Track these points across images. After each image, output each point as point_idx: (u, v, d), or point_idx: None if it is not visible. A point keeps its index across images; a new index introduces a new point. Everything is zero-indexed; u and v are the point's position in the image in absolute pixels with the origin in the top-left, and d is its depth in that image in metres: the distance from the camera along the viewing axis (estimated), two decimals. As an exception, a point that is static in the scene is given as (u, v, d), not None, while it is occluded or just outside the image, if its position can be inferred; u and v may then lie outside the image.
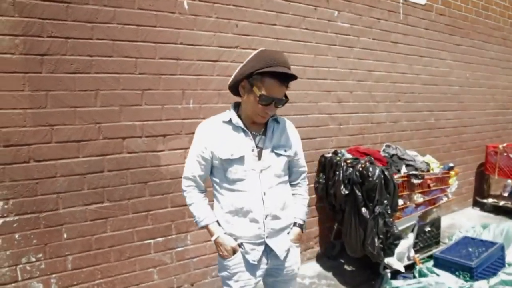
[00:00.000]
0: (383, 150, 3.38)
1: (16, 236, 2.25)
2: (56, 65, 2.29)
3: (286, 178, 1.77)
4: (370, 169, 2.75)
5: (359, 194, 2.79)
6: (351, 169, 2.88)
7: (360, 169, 2.81)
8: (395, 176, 2.90)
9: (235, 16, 2.89)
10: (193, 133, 2.58)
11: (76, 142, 2.38)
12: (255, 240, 1.67)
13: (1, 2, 2.14)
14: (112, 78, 2.46)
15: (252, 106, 1.58)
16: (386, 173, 2.75)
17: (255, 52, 1.62)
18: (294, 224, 1.80)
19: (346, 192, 2.87)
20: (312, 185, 3.30)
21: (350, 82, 3.57)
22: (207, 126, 1.72)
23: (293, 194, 1.85)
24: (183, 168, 2.47)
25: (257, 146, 1.66)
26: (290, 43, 3.17)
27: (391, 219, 2.75)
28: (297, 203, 1.84)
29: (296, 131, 1.84)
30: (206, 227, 1.71)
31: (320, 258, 3.45)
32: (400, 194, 2.93)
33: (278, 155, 1.69)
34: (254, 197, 1.64)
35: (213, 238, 1.70)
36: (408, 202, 3.03)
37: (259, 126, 1.70)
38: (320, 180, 3.22)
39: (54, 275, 2.36)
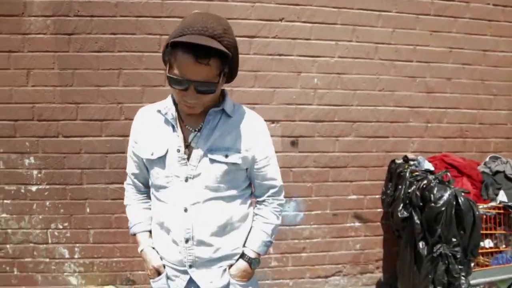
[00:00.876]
0: (485, 164, 2.34)
1: (47, 203, 2.45)
2: (82, 43, 2.31)
3: (232, 192, 1.30)
4: (435, 189, 1.92)
5: (417, 221, 2.00)
6: (415, 185, 2.09)
7: (424, 187, 2.00)
8: (483, 206, 1.96)
9: (281, -18, 2.39)
10: None
11: (99, 121, 2.39)
12: (178, 266, 1.30)
13: (31, -17, 2.26)
14: (134, 57, 2.35)
15: (172, 90, 1.17)
16: (461, 198, 1.87)
17: None
18: (242, 255, 1.34)
19: (405, 215, 2.11)
20: (379, 196, 2.58)
21: (449, 65, 2.56)
22: (139, 115, 1.37)
23: (254, 215, 1.40)
24: None
25: (188, 146, 1.25)
26: (357, 14, 2.43)
27: (462, 266, 1.88)
28: (253, 228, 1.37)
29: (263, 130, 1.35)
30: (135, 235, 1.43)
31: (381, 287, 2.74)
32: (488, 232, 1.98)
33: (213, 161, 1.24)
34: (175, 212, 1.26)
35: (139, 250, 1.41)
36: (504, 246, 2.03)
37: (199, 119, 1.26)
38: (388, 191, 2.48)
39: (77, 245, 2.50)
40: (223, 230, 1.29)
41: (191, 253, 1.27)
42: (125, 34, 2.32)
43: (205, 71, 1.09)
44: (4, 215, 2.42)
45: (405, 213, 2.11)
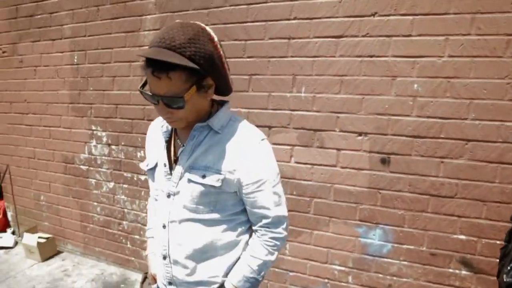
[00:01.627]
0: None
1: (154, 192, 2.82)
2: (181, 52, 2.53)
3: (214, 216, 1.19)
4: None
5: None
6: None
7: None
8: None
9: (373, -31, 1.99)
10: (302, 128, 2.21)
11: (193, 124, 2.59)
12: (163, 279, 1.30)
13: (148, 4, 2.58)
14: (223, 63, 2.42)
15: None
16: None
17: None
18: (220, 286, 1.22)
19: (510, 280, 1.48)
20: (500, 242, 1.90)
21: None
22: (151, 125, 1.41)
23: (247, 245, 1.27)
24: (287, 167, 2.23)
25: (175, 161, 1.22)
26: None
27: None
28: (240, 259, 1.23)
29: (256, 149, 1.15)
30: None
31: None
32: None
33: (189, 180, 1.17)
34: (157, 227, 1.26)
35: (144, 254, 1.48)
36: None
37: (189, 132, 1.21)
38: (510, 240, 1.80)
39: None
40: (201, 254, 1.20)
41: (168, 271, 1.25)
42: (215, 41, 2.42)
43: (166, 85, 1.02)
44: (123, 196, 2.92)
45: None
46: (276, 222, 1.20)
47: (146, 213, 2.86)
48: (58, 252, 3.49)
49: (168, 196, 1.20)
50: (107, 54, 2.82)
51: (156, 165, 1.26)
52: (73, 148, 3.19)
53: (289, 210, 2.28)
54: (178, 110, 1.08)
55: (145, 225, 2.84)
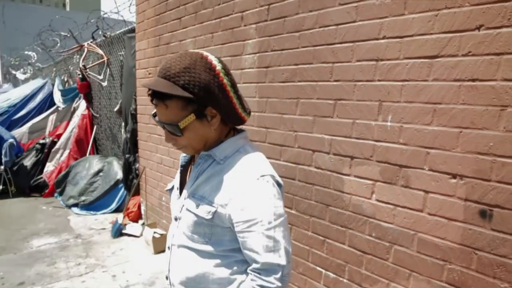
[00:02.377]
0: None
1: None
2: (274, 75, 2.56)
3: (207, 248, 1.15)
4: None
5: None
6: None
7: None
8: None
9: (479, -24, 1.59)
10: (387, 162, 2.00)
11: (279, 146, 2.56)
12: None
13: (249, 29, 2.71)
14: (310, 86, 2.34)
15: None
16: None
17: None
18: None
19: None
20: None
21: None
22: None
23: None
24: (367, 203, 2.15)
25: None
26: None
27: None
28: None
29: (252, 186, 1.07)
30: None
31: None
32: None
33: (186, 209, 1.19)
34: (166, 247, 1.33)
35: None
36: None
37: None
38: None
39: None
40: (195, 284, 1.19)
41: None
42: (305, 64, 2.36)
43: (165, 113, 1.10)
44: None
45: None
46: (267, 269, 1.07)
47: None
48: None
49: (175, 219, 1.25)
50: (217, 76, 3.08)
51: (172, 188, 1.32)
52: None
53: (366, 253, 1.99)
54: (178, 137, 1.13)
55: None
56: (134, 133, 4.35)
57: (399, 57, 1.91)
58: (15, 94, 8.11)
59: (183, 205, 1.20)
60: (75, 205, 5.23)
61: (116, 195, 4.94)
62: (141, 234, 4.21)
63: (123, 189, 4.89)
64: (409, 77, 1.88)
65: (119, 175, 4.91)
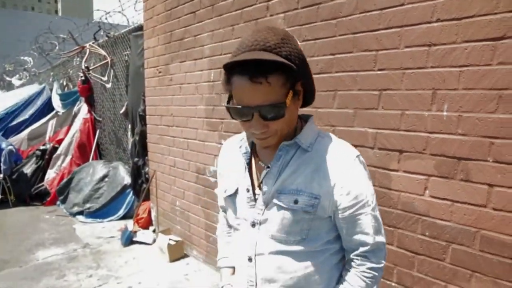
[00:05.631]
0: None
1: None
2: (306, 66, 2.40)
3: (308, 247, 1.03)
4: None
5: None
6: None
7: None
8: None
9: None
10: (443, 155, 1.86)
11: (312, 142, 2.40)
12: None
13: (277, 19, 2.55)
14: (349, 77, 2.19)
15: (240, 123, 1.06)
16: None
17: None
18: None
19: None
20: None
21: None
22: (223, 146, 1.32)
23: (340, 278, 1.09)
24: (419, 201, 1.99)
25: (259, 185, 1.10)
26: None
27: None
28: None
29: (353, 167, 1.03)
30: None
31: None
32: None
33: (279, 207, 1.03)
34: (241, 259, 1.13)
35: (219, 286, 1.33)
36: None
37: (274, 152, 1.08)
38: None
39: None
40: None
41: None
42: (343, 53, 2.21)
43: (266, 92, 0.93)
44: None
45: None
46: (376, 250, 1.06)
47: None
48: (185, 256, 3.73)
49: (253, 225, 1.07)
50: (238, 71, 2.91)
51: (236, 191, 1.13)
52: (205, 160, 3.39)
53: (418, 254, 1.87)
54: (275, 122, 0.97)
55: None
56: (143, 136, 4.16)
57: (456, 41, 1.76)
58: (11, 100, 7.84)
59: (268, 205, 1.05)
60: (80, 213, 5.00)
61: (124, 201, 4.72)
62: (154, 241, 4.00)
63: (131, 194, 4.68)
64: (468, 62, 1.73)
65: (126, 180, 4.70)
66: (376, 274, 1.06)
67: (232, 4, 2.91)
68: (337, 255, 1.10)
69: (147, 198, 4.30)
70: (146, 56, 4.04)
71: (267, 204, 1.05)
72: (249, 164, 1.14)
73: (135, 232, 4.10)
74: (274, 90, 0.92)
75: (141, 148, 4.20)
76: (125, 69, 4.85)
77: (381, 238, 1.07)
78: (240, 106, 0.96)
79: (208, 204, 3.41)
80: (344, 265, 1.11)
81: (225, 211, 1.33)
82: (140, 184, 4.31)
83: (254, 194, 1.09)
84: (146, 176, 4.23)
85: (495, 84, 1.66)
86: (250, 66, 0.90)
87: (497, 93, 1.66)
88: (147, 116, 4.12)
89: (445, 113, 1.82)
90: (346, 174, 1.01)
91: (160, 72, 3.84)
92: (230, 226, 1.33)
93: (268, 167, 1.07)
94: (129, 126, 4.70)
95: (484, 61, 1.69)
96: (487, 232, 1.72)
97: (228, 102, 1.02)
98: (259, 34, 0.95)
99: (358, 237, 1.04)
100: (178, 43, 3.54)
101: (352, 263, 1.07)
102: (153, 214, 4.30)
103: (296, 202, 1.00)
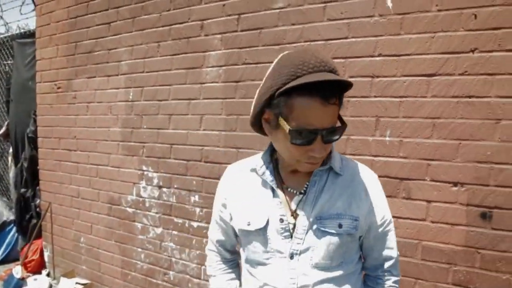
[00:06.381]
0: None
1: (204, 241, 2.57)
2: (247, 90, 2.38)
3: (345, 270, 1.04)
4: None
5: None
6: None
7: None
8: None
9: (473, 3, 1.81)
10: (386, 176, 1.98)
11: (256, 166, 2.38)
12: None
13: (213, 39, 2.49)
14: (294, 102, 2.25)
15: (286, 148, 0.96)
16: None
17: (276, 59, 1.02)
18: None
19: None
20: None
21: None
22: (229, 174, 1.20)
23: None
24: None
25: (293, 213, 1.02)
26: None
27: None
28: None
29: (381, 189, 1.13)
30: None
31: None
32: None
33: (324, 233, 0.99)
34: None
35: None
36: None
37: (302, 178, 1.03)
38: None
39: None
40: None
41: None
42: (286, 79, 2.27)
43: (333, 114, 0.92)
44: (171, 244, 2.69)
45: None
46: (396, 263, 1.14)
47: (197, 263, 2.61)
48: (96, 300, 3.24)
49: (292, 256, 0.99)
50: (165, 91, 2.72)
51: (267, 223, 1.03)
52: (120, 188, 3.03)
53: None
54: (330, 144, 0.97)
55: (195, 278, 2.59)
56: (33, 162, 3.49)
57: (396, 74, 1.99)
58: None
59: (308, 233, 1.00)
60: None
61: (3, 241, 3.86)
62: (50, 287, 3.37)
63: (12, 233, 3.85)
64: (407, 93, 1.96)
65: (6, 215, 3.86)
66: (397, 286, 1.13)
67: (159, 19, 2.71)
68: (361, 274, 1.14)
69: (39, 236, 3.60)
70: (39, 68, 3.42)
71: (307, 232, 1.00)
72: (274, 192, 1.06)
73: (24, 278, 3.38)
74: (337, 112, 0.93)
75: (30, 176, 3.51)
76: (4, 82, 4.02)
77: (397, 251, 1.15)
78: (307, 129, 0.89)
79: (124, 238, 3.04)
80: (364, 283, 1.15)
81: (223, 245, 1.23)
82: (28, 219, 3.59)
83: (288, 223, 1.02)
84: (37, 210, 3.54)
85: (430, 113, 1.92)
86: (323, 87, 0.86)
87: (432, 121, 1.92)
88: (39, 139, 3.48)
89: (387, 138, 2.03)
90: (376, 194, 1.08)
91: (59, 88, 3.31)
92: (228, 261, 1.26)
93: (301, 193, 1.02)
94: (10, 151, 3.89)
95: (420, 93, 1.94)
96: (427, 243, 1.96)
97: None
98: (319, 56, 0.92)
99: (385, 252, 1.10)
100: (86, 56, 3.12)
101: (379, 280, 1.11)
102: (46, 254, 3.62)
103: (340, 226, 1.00)
